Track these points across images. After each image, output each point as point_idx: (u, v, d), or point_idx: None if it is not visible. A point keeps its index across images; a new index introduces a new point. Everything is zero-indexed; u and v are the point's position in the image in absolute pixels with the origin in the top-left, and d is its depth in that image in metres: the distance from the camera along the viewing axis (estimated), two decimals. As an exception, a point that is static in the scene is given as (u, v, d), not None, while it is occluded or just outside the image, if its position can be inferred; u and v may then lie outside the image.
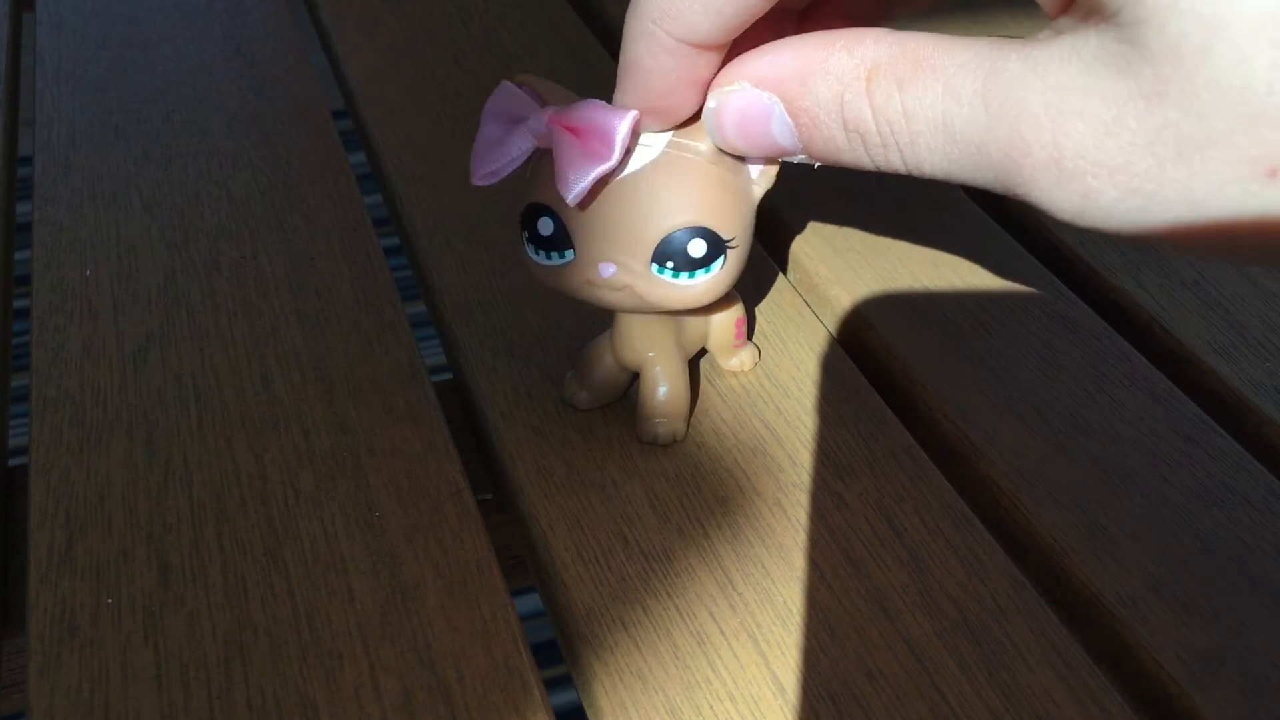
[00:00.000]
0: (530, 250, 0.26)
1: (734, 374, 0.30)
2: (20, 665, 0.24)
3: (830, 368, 0.31)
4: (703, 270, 0.25)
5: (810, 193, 0.37)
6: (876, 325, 0.32)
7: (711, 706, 0.23)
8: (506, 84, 0.26)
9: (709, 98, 0.24)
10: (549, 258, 0.25)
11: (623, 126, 0.24)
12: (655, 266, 0.25)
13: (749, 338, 0.31)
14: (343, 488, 0.27)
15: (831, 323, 0.33)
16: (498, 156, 0.25)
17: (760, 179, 0.25)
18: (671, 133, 0.25)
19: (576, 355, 0.29)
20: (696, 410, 0.29)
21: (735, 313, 0.29)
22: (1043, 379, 0.30)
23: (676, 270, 0.25)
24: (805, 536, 0.26)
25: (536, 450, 0.28)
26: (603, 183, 0.24)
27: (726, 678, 0.23)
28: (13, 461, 0.31)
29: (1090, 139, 0.18)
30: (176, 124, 0.41)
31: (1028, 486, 0.27)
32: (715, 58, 0.24)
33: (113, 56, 0.45)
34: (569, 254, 0.25)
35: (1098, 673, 0.23)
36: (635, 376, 0.28)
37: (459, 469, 0.27)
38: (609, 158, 0.24)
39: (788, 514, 0.26)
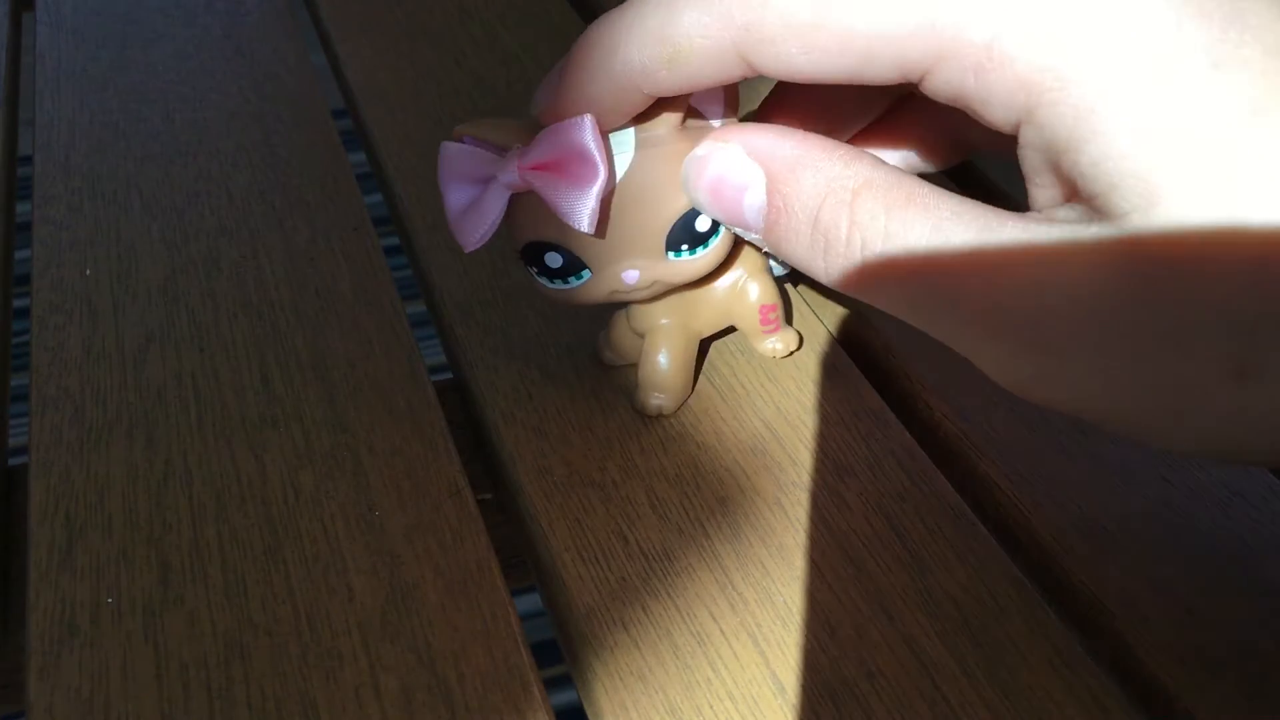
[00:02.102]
0: (543, 281, 0.26)
1: (772, 356, 0.30)
2: (20, 665, 0.24)
3: (830, 368, 0.31)
4: (714, 236, 0.26)
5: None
6: (876, 325, 0.32)
7: (711, 706, 0.23)
8: (449, 145, 0.25)
9: (700, 145, 0.24)
10: (565, 283, 0.26)
11: (590, 138, 0.23)
12: (671, 253, 0.25)
13: (789, 323, 0.31)
14: (343, 488, 0.27)
15: (831, 323, 0.33)
16: (480, 221, 0.25)
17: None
18: (632, 130, 0.25)
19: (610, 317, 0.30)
20: (697, 410, 0.29)
21: (762, 298, 0.29)
22: (1043, 379, 0.30)
23: (692, 248, 0.26)
24: (805, 536, 0.26)
25: (536, 450, 0.28)
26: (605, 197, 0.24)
27: (726, 678, 0.23)
28: (13, 461, 0.31)
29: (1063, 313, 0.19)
30: (176, 124, 0.41)
31: (1028, 486, 0.27)
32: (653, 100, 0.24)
33: (113, 56, 0.45)
34: (585, 274, 0.26)
35: (1098, 673, 0.23)
36: None
37: (459, 469, 0.27)
38: (598, 174, 0.24)
39: (788, 514, 0.26)
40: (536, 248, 0.25)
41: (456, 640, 0.24)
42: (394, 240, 0.38)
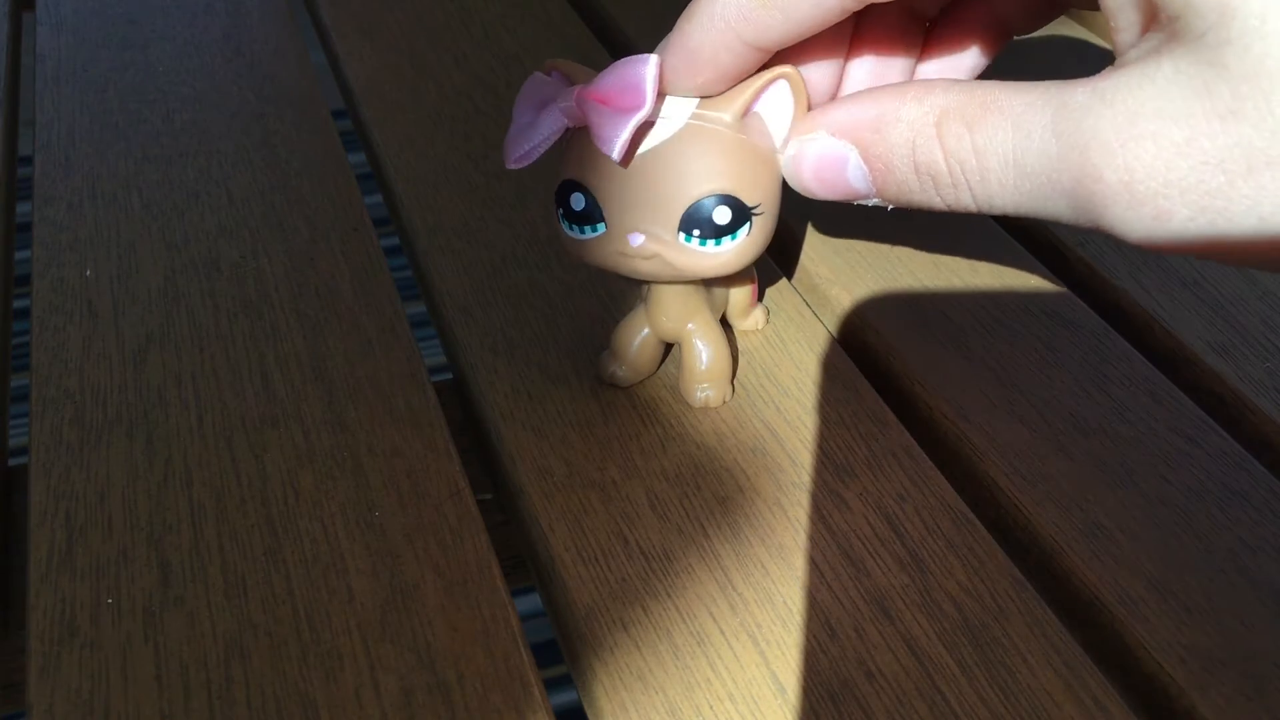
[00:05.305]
0: (565, 226, 0.26)
1: (748, 333, 0.31)
2: (20, 665, 0.24)
3: (830, 368, 0.31)
4: (729, 237, 0.26)
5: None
6: (876, 325, 0.32)
7: (711, 706, 0.23)
8: (536, 75, 0.26)
9: (789, 145, 0.25)
10: (582, 231, 0.26)
11: (649, 72, 0.24)
12: (683, 235, 0.25)
13: (760, 299, 0.32)
14: (343, 488, 0.27)
15: (831, 323, 0.33)
16: (528, 138, 0.26)
17: (785, 148, 0.26)
18: (696, 104, 0.25)
19: (612, 333, 0.29)
20: (697, 410, 0.29)
21: (751, 275, 0.30)
22: (1043, 379, 0.30)
23: (704, 238, 0.25)
24: (805, 536, 0.26)
25: (536, 450, 0.28)
26: (633, 150, 0.25)
27: (726, 678, 0.23)
28: (13, 461, 0.31)
29: (1162, 161, 0.19)
30: (176, 124, 0.41)
31: (1028, 486, 0.27)
32: (767, 56, 0.24)
33: (113, 56, 0.45)
34: (601, 227, 0.26)
35: (1098, 673, 0.23)
36: (669, 348, 0.30)
37: (459, 469, 0.27)
38: (641, 104, 0.24)
39: (788, 514, 0.26)
40: (568, 187, 0.26)
41: (456, 640, 0.24)
42: (394, 240, 0.38)
